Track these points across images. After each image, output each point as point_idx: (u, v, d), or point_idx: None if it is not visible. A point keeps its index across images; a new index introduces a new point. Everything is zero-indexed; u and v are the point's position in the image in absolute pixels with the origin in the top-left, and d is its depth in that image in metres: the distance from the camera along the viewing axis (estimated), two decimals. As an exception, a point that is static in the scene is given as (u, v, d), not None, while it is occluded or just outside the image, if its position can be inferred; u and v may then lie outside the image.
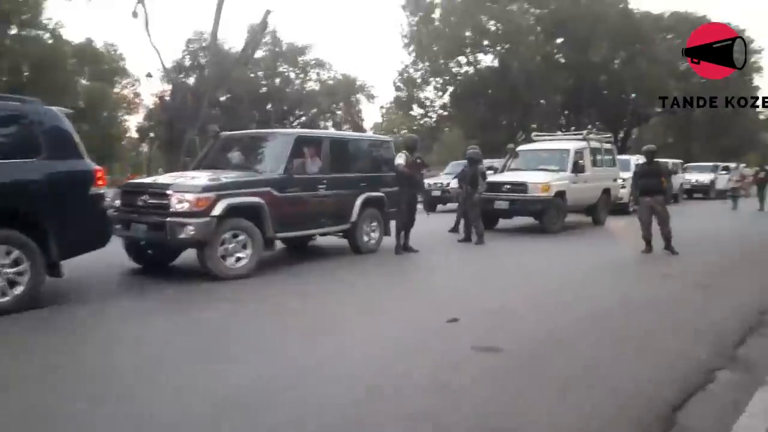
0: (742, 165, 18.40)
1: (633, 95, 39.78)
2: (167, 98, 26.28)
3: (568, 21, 32.48)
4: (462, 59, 38.29)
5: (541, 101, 37.01)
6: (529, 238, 11.88)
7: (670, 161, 25.72)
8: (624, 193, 17.73)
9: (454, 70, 39.08)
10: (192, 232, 6.61)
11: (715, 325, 5.16)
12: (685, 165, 27.87)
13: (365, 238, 9.20)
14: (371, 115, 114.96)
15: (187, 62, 38.83)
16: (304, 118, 43.06)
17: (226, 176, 7.46)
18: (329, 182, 8.43)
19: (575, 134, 14.82)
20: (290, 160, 7.84)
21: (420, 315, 5.48)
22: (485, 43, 35.42)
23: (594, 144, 14.37)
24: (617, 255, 9.74)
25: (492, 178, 13.07)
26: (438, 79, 39.54)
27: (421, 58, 37.68)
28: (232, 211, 6.93)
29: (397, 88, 39.19)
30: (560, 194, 12.53)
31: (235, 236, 6.99)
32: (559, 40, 35.95)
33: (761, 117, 65.41)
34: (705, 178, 26.89)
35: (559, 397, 3.47)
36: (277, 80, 42.53)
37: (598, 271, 8.12)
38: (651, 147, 10.19)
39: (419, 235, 9.84)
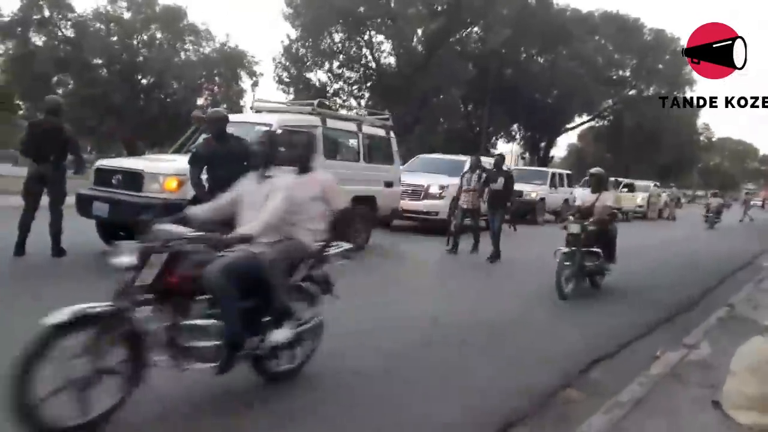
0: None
1: (548, 99, 35.01)
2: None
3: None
4: (357, 39, 32.72)
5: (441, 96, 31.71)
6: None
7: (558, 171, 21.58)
8: (440, 206, 12.97)
9: (351, 52, 33.49)
10: None
11: None
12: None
13: None
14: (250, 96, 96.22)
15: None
16: (176, 96, 36.33)
17: None
18: None
19: (307, 103, 9.30)
20: None
21: None
22: (370, 20, 29.66)
23: (334, 124, 9.04)
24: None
25: (103, 162, 7.68)
26: (334, 62, 33.93)
27: (307, 32, 31.80)
28: None
29: (279, 65, 33.15)
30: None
31: None
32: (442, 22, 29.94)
33: (702, 139, 62.52)
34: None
35: None
36: (151, 49, 35.74)
37: None
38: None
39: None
